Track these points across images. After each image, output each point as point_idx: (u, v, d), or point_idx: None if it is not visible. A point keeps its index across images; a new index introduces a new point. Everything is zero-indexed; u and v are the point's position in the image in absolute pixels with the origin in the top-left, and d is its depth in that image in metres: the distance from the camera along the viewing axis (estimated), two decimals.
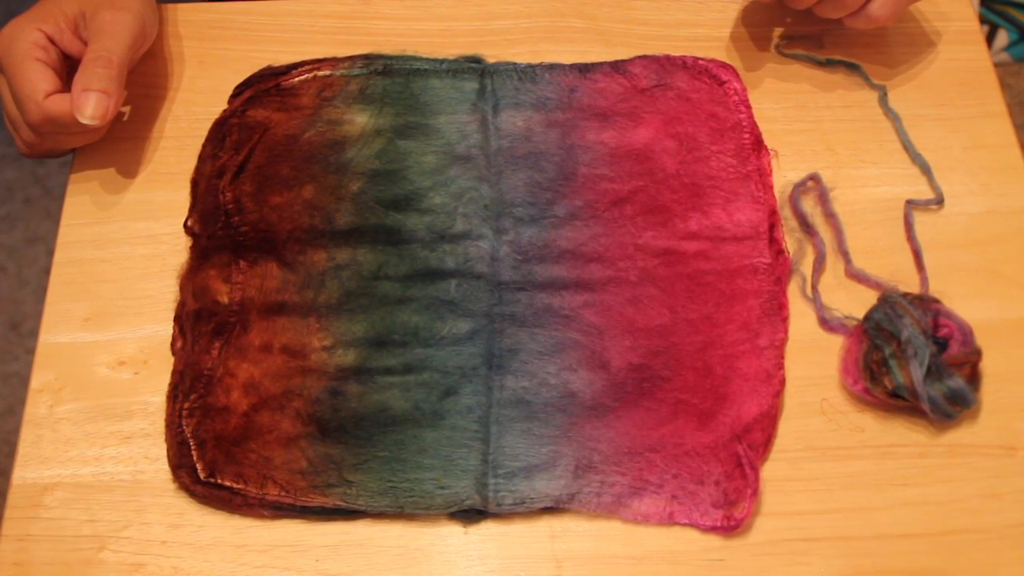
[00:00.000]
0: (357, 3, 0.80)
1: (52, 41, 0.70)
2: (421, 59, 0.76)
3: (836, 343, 0.66)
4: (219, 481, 0.62)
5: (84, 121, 0.66)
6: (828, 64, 0.77)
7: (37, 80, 0.67)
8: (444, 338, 0.66)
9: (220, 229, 0.69)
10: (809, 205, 0.72)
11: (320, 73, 0.75)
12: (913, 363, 0.61)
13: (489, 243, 0.69)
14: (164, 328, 0.67)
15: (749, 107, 0.74)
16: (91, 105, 0.66)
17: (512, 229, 0.69)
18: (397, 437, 0.63)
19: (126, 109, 0.75)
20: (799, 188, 0.72)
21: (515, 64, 0.76)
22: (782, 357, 0.65)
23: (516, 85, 0.75)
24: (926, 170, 0.73)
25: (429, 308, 0.67)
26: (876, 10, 0.71)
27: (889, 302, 0.64)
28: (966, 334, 0.63)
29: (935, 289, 0.68)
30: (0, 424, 1.46)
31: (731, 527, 0.60)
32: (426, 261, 0.68)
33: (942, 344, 0.63)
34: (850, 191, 0.72)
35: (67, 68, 0.71)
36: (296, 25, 0.79)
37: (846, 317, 0.67)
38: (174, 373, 0.65)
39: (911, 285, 0.68)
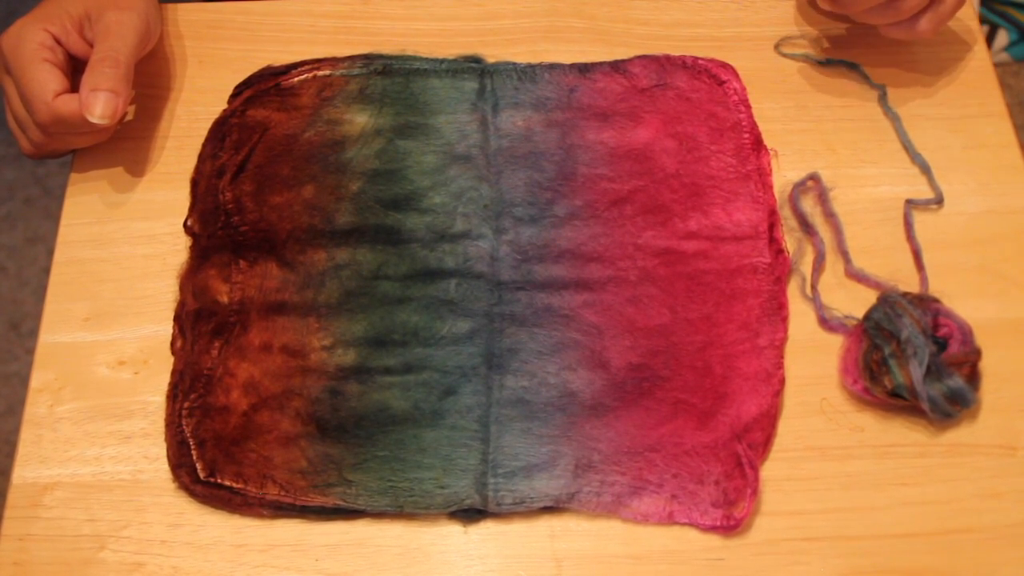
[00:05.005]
0: (357, 3, 0.80)
1: (58, 41, 0.70)
2: (421, 59, 0.76)
3: (836, 343, 0.66)
4: (219, 481, 0.62)
5: (94, 120, 0.67)
6: (828, 64, 0.77)
7: (46, 80, 0.67)
8: (444, 338, 0.66)
9: (220, 229, 0.69)
10: (809, 205, 0.72)
11: (320, 73, 0.75)
12: (913, 363, 0.61)
13: (489, 243, 0.69)
14: (164, 328, 0.67)
15: (749, 107, 0.74)
16: (100, 104, 0.67)
17: (512, 229, 0.69)
18: (397, 437, 0.63)
19: (129, 109, 0.75)
20: (799, 188, 0.72)
21: (515, 64, 0.76)
22: (782, 357, 0.65)
23: (516, 85, 0.75)
24: (926, 170, 0.73)
25: (429, 308, 0.67)
26: (924, 24, 0.71)
27: (889, 302, 0.64)
28: (966, 334, 0.63)
29: (935, 289, 0.68)
30: (0, 424, 1.47)
31: (731, 526, 0.60)
32: (426, 261, 0.68)
33: (942, 344, 0.63)
34: (850, 191, 0.72)
35: (73, 69, 0.71)
36: (296, 25, 0.79)
37: (846, 317, 0.67)
38: (174, 373, 0.65)
39: (911, 285, 0.68)
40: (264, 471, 0.62)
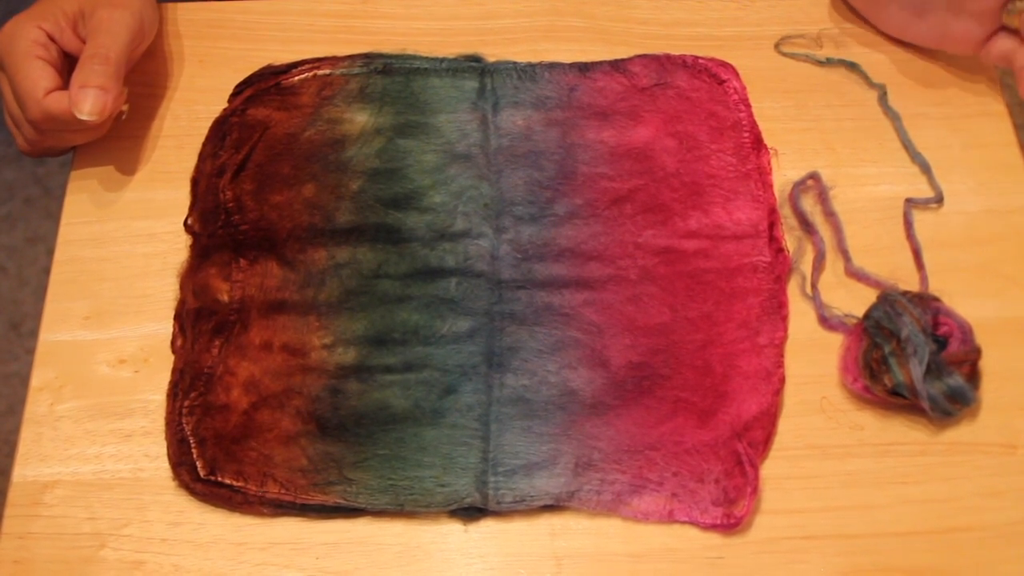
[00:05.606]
0: (357, 2, 0.80)
1: (52, 39, 0.70)
2: (421, 58, 0.76)
3: (836, 341, 0.66)
4: (219, 479, 0.62)
5: (82, 117, 0.67)
6: (828, 63, 0.77)
7: (38, 78, 0.67)
8: (444, 336, 0.66)
9: (220, 228, 0.69)
10: (809, 204, 0.72)
11: (320, 72, 0.75)
12: (913, 361, 0.61)
13: (489, 241, 0.69)
14: (164, 326, 0.67)
15: (749, 106, 0.74)
16: (89, 101, 0.67)
17: (512, 228, 0.69)
18: (397, 435, 0.63)
19: (126, 107, 0.75)
20: (799, 187, 0.72)
21: (515, 63, 0.76)
22: (782, 355, 0.66)
23: (516, 84, 0.75)
24: (926, 169, 0.73)
25: (429, 306, 0.67)
26: None
27: (889, 300, 0.64)
28: (966, 332, 0.63)
29: (935, 287, 0.68)
30: (0, 423, 1.47)
31: (731, 525, 0.60)
32: (426, 259, 0.68)
33: (942, 342, 0.63)
34: (850, 190, 0.72)
35: (67, 66, 0.71)
36: (296, 24, 0.79)
37: (846, 315, 0.67)
38: (174, 371, 0.65)
39: (911, 283, 0.68)
40: (264, 469, 0.62)
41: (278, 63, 0.76)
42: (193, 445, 0.63)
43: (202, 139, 0.73)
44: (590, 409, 0.64)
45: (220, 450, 0.62)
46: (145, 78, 0.76)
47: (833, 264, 0.69)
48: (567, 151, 0.72)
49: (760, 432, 0.63)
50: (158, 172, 0.73)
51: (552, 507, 0.62)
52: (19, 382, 1.49)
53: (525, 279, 0.68)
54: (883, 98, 0.76)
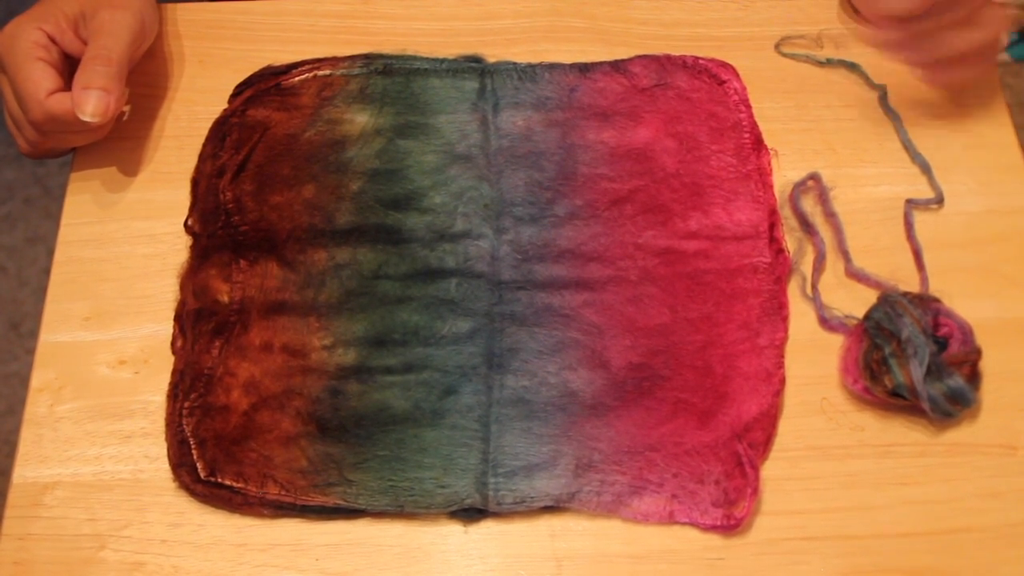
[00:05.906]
0: (357, 2, 0.80)
1: (53, 40, 0.70)
2: (421, 59, 0.76)
3: (836, 342, 0.66)
4: (219, 480, 0.62)
5: (85, 119, 0.67)
6: (828, 64, 0.77)
7: (39, 79, 0.67)
8: (444, 337, 0.66)
9: (220, 228, 0.69)
10: (809, 204, 0.72)
11: (320, 72, 0.75)
12: (913, 362, 0.61)
13: (489, 242, 0.69)
14: (164, 327, 0.67)
15: (749, 106, 0.74)
16: (91, 102, 0.67)
17: (512, 228, 0.69)
18: (397, 436, 0.63)
19: (127, 108, 0.75)
20: (799, 187, 0.72)
21: (515, 64, 0.76)
22: (782, 356, 0.66)
23: (516, 85, 0.75)
24: (926, 169, 0.73)
25: (429, 307, 0.67)
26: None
27: (889, 301, 0.64)
28: (966, 333, 0.63)
29: (935, 288, 0.68)
30: (0, 424, 1.47)
31: (731, 526, 0.60)
32: (426, 260, 0.68)
33: (942, 343, 0.63)
34: (850, 190, 0.72)
35: (68, 68, 0.71)
36: (296, 24, 0.79)
37: (846, 316, 0.67)
38: (174, 372, 0.65)
39: (911, 284, 0.68)
40: (264, 470, 0.62)
41: (278, 64, 0.76)
42: (193, 446, 0.63)
43: (202, 140, 0.73)
44: (590, 410, 0.64)
45: (220, 451, 0.62)
46: (145, 79, 0.76)
47: (833, 265, 0.69)
48: (567, 152, 0.72)
49: (760, 433, 0.63)
50: (158, 173, 0.73)
51: (552, 508, 0.62)
52: (19, 382, 1.49)
53: (525, 280, 0.68)
54: (883, 98, 0.75)
